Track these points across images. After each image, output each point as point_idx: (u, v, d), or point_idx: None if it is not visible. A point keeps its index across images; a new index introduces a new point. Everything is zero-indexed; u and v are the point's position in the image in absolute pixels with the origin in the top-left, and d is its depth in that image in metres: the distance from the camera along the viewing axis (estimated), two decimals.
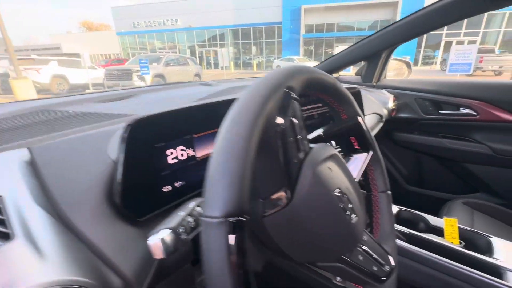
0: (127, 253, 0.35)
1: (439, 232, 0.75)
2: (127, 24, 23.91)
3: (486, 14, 14.53)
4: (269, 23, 19.43)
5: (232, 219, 0.22)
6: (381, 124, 1.25)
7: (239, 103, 0.27)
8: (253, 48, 21.59)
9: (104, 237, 0.34)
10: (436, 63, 16.11)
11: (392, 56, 1.48)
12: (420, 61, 17.17)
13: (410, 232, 0.73)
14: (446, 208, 1.09)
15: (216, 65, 21.31)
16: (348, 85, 0.95)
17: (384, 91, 1.39)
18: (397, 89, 1.39)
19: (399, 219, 0.83)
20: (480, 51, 10.35)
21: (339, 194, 0.34)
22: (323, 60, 1.49)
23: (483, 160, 1.25)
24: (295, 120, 0.31)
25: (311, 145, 0.36)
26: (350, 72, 2.50)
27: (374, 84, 1.45)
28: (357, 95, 0.98)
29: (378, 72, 1.42)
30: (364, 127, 0.47)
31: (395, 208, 0.86)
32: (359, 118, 0.46)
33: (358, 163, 0.48)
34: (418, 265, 0.67)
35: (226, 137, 0.24)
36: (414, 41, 15.85)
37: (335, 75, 1.59)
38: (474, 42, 14.40)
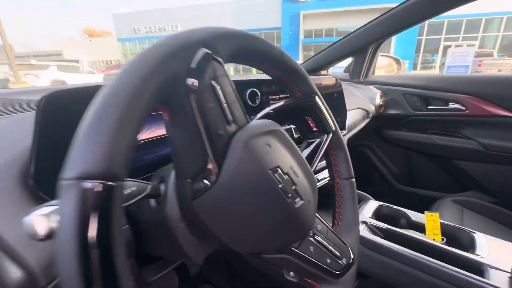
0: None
1: (420, 228, 0.71)
2: (128, 31, 24.17)
3: (484, 18, 14.63)
4: (268, 28, 19.57)
5: (89, 183, 0.17)
6: (367, 120, 1.22)
7: (140, 53, 0.23)
8: None
9: (9, 222, 0.30)
10: (435, 67, 16.15)
11: (380, 53, 1.45)
12: (419, 65, 17.21)
13: (388, 228, 0.69)
14: (435, 206, 1.05)
15: None
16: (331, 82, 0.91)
17: (371, 87, 1.35)
18: (385, 84, 1.35)
19: (379, 215, 0.79)
20: (478, 55, 10.36)
21: (278, 174, 0.30)
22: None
23: (473, 156, 1.20)
24: (216, 85, 0.27)
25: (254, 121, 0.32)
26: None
27: (362, 80, 1.41)
28: (339, 95, 0.94)
29: (365, 68, 1.39)
30: (322, 107, 0.43)
31: (374, 204, 0.81)
32: (316, 98, 0.42)
33: (317, 146, 0.44)
34: (396, 263, 0.63)
35: (111, 85, 0.20)
36: (413, 46, 15.93)
37: (323, 72, 1.56)
38: (472, 46, 14.45)
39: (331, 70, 1.59)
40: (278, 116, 0.39)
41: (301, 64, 1.52)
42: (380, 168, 1.50)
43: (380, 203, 0.82)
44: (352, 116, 1.09)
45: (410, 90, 1.28)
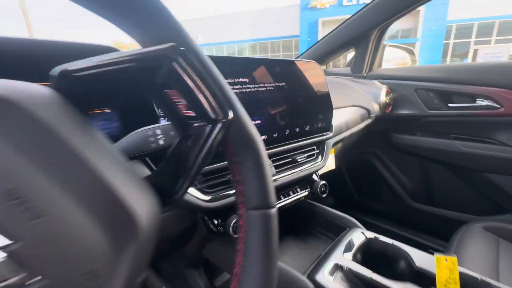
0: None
1: (427, 280, 0.46)
2: None
3: None
4: (286, 36, 19.55)
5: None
6: (367, 121, 0.98)
7: None
8: None
9: None
10: None
11: (387, 43, 1.21)
12: None
13: (374, 280, 0.45)
14: (460, 234, 0.78)
15: None
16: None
17: (375, 81, 1.11)
18: (393, 79, 1.11)
19: (368, 254, 0.55)
20: None
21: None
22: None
23: (510, 168, 0.92)
24: None
25: None
26: None
27: (365, 74, 1.18)
28: (321, 85, 0.73)
29: (368, 60, 1.16)
30: (201, 67, 0.23)
31: (361, 237, 0.57)
32: (174, 49, 0.22)
33: (194, 141, 0.24)
34: None
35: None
36: (439, 50, 15.06)
37: (322, 67, 1.34)
38: (507, 46, 13.36)
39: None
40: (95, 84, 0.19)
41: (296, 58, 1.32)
42: (389, 180, 1.23)
43: (371, 235, 0.58)
44: (345, 115, 0.86)
45: (425, 84, 1.03)
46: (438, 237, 1.11)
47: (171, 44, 0.21)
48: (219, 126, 0.23)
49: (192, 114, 0.23)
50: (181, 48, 0.22)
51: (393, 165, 1.22)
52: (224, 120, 0.23)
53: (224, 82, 0.25)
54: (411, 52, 1.31)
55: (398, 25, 16.20)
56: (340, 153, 1.02)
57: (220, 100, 0.24)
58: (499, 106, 0.90)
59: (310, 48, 1.26)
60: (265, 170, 0.26)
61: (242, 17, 20.84)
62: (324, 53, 1.23)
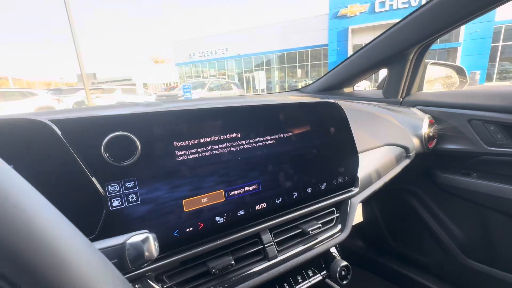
0: None
1: None
2: (185, 56, 26.54)
3: None
4: (314, 46, 19.31)
5: None
6: (407, 161, 0.78)
7: None
8: (299, 71, 21.55)
9: None
10: None
11: (430, 60, 1.01)
12: (495, 76, 14.65)
13: None
14: None
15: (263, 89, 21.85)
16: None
17: (415, 109, 0.91)
18: (437, 106, 0.90)
19: None
20: None
21: None
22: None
23: None
24: None
25: None
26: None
27: (401, 99, 0.98)
28: (343, 128, 0.57)
29: (405, 82, 0.96)
30: None
31: None
32: None
33: None
34: None
35: None
36: (486, 54, 13.71)
37: (347, 90, 1.17)
38: None
39: (368, 86, 1.19)
40: None
41: (316, 80, 1.16)
42: (434, 228, 1.00)
43: None
44: (376, 159, 0.69)
45: (483, 114, 0.81)
46: None
47: None
48: None
49: None
50: None
51: (438, 210, 0.99)
52: None
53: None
54: (460, 71, 1.08)
55: None
56: (371, 196, 0.84)
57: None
58: None
59: (336, 67, 1.10)
60: None
61: (271, 29, 21.09)
62: (350, 75, 1.06)
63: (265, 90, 17.05)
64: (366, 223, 1.21)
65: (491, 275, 0.88)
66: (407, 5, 14.24)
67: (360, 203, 0.71)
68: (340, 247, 0.56)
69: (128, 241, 0.28)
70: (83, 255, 0.14)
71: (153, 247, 0.28)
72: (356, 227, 1.24)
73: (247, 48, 22.64)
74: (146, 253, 0.28)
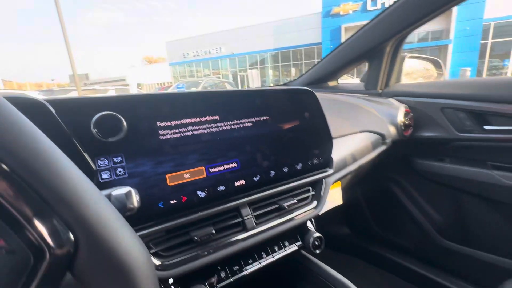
0: None
1: None
2: (178, 56, 26.39)
3: None
4: (308, 44, 19.40)
5: None
6: (381, 148, 0.84)
7: None
8: (293, 70, 21.63)
9: None
10: (506, 73, 13.80)
11: (408, 54, 1.07)
12: (485, 72, 14.93)
13: None
14: None
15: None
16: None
17: (392, 100, 0.97)
18: (413, 96, 0.96)
19: None
20: None
21: None
22: None
23: None
24: None
25: None
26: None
27: (380, 91, 1.04)
28: (316, 113, 0.61)
29: (383, 75, 1.02)
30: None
31: None
32: None
33: None
34: None
35: None
36: (475, 51, 13.96)
37: (331, 83, 1.22)
38: None
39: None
40: None
41: (302, 75, 1.21)
42: (413, 212, 1.06)
43: None
44: (352, 144, 0.74)
45: (454, 102, 0.87)
46: (477, 286, 0.92)
47: None
48: (45, 260, 0.14)
49: (5, 245, 0.15)
50: None
51: (417, 195, 1.05)
52: (57, 249, 0.14)
53: (65, 178, 0.16)
54: (437, 64, 1.14)
55: (428, 27, 15.34)
56: (353, 181, 0.89)
57: (49, 216, 0.15)
58: None
59: (319, 63, 1.15)
60: None
61: (265, 28, 21.10)
62: (333, 69, 1.12)
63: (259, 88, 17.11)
64: (351, 211, 1.27)
65: (464, 253, 0.94)
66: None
67: (340, 188, 0.76)
68: (325, 232, 0.60)
69: (112, 193, 0.32)
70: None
71: (134, 199, 0.32)
72: (342, 215, 1.30)
73: (241, 47, 22.62)
74: (129, 205, 0.32)
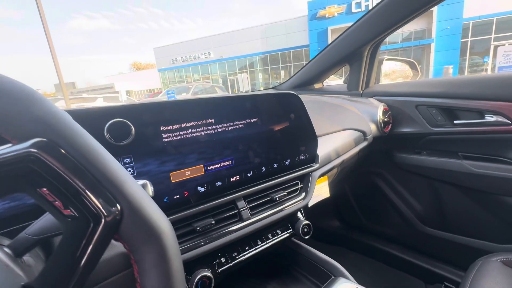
0: None
1: None
2: (167, 61, 26.30)
3: None
4: (296, 47, 19.69)
5: None
6: (363, 144, 0.91)
7: None
8: (282, 72, 21.88)
9: None
10: (486, 69, 14.36)
11: (386, 56, 1.16)
12: (466, 70, 15.49)
13: None
14: (476, 268, 0.69)
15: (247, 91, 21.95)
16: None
17: (372, 99, 1.05)
18: (391, 95, 1.04)
19: None
20: None
21: None
22: None
23: None
24: None
25: None
26: None
27: (361, 92, 1.12)
28: (301, 114, 0.68)
29: (363, 76, 1.10)
30: (56, 164, 0.20)
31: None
32: (37, 142, 0.19)
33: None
34: None
35: None
36: (457, 50, 14.49)
37: (317, 85, 1.30)
38: None
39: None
40: None
41: (289, 78, 1.29)
42: (397, 203, 1.14)
43: (356, 287, 0.52)
44: (335, 141, 0.81)
45: (426, 100, 0.95)
46: (454, 267, 1.00)
47: (32, 140, 0.18)
48: (101, 224, 0.20)
49: (72, 213, 0.20)
50: (41, 139, 0.19)
51: (399, 187, 1.13)
52: (108, 216, 0.20)
53: (110, 166, 0.22)
54: (412, 65, 1.23)
55: (411, 27, 15.83)
56: (340, 176, 0.96)
57: (102, 192, 0.20)
58: (510, 122, 0.81)
59: (304, 66, 1.23)
60: (170, 271, 0.22)
61: (253, 32, 21.30)
62: (318, 72, 1.19)
63: (249, 92, 17.25)
64: (341, 205, 1.35)
65: (442, 237, 1.02)
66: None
67: (327, 182, 0.83)
68: (317, 226, 0.67)
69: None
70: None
71: (150, 190, 0.38)
72: (333, 209, 1.37)
73: (230, 52, 22.74)
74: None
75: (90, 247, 0.20)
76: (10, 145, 0.18)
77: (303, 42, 19.08)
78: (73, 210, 0.20)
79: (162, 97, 9.18)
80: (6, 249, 0.26)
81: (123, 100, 10.47)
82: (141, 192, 0.23)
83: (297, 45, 19.54)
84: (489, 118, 0.85)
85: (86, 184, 0.20)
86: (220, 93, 11.19)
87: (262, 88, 21.72)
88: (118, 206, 0.21)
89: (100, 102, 10.82)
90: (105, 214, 0.20)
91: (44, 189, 0.19)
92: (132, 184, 0.23)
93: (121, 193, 0.21)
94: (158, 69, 27.60)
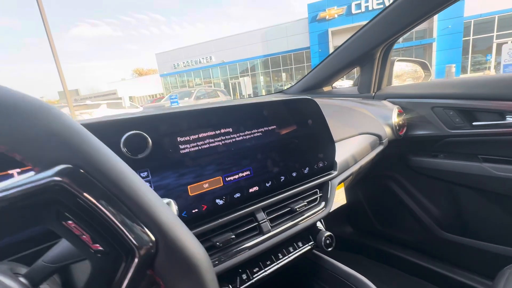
0: None
1: None
2: (169, 67, 26.48)
3: None
4: (297, 49, 19.71)
5: None
6: (379, 148, 0.88)
7: None
8: (284, 75, 21.90)
9: None
10: (489, 67, 14.25)
11: (396, 57, 1.13)
12: (469, 68, 15.39)
13: None
14: (506, 276, 0.66)
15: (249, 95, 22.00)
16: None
17: (385, 102, 1.02)
18: (405, 97, 1.01)
19: None
20: None
21: None
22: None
23: None
24: None
25: None
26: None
27: (373, 94, 1.09)
28: (318, 121, 0.66)
29: (376, 78, 1.07)
30: (86, 193, 0.17)
31: None
32: (63, 169, 0.17)
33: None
34: None
35: None
36: (459, 48, 14.42)
37: (326, 89, 1.28)
38: None
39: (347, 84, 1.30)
40: None
41: (297, 82, 1.26)
42: (412, 207, 1.10)
43: None
44: (352, 146, 0.78)
45: (443, 101, 0.92)
46: (479, 275, 0.96)
47: (58, 167, 0.16)
48: (135, 260, 0.18)
49: (102, 248, 0.18)
50: (66, 166, 0.17)
51: (415, 191, 1.10)
52: (143, 250, 0.18)
53: (142, 191, 0.20)
54: (424, 66, 1.20)
55: None
56: (354, 181, 0.93)
57: (136, 223, 0.18)
58: None
59: (312, 70, 1.21)
60: None
61: (253, 35, 21.40)
62: (328, 75, 1.17)
63: (251, 95, 17.33)
64: (354, 210, 1.31)
65: (463, 243, 0.99)
66: (381, 5, 14.84)
67: (343, 188, 0.80)
68: (332, 233, 0.64)
69: None
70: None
71: (174, 209, 0.36)
72: (345, 215, 1.34)
73: (231, 56, 22.84)
74: None
75: (123, 287, 0.17)
76: (32, 173, 0.16)
77: (303, 44, 19.12)
78: (103, 245, 0.17)
79: (165, 102, 9.21)
80: (23, 279, 0.24)
81: (126, 106, 10.53)
82: (175, 219, 0.21)
83: (298, 47, 19.58)
84: (510, 119, 0.82)
85: (119, 216, 0.18)
86: (222, 96, 11.22)
87: (263, 91, 21.77)
88: (153, 237, 0.18)
89: (103, 108, 10.91)
90: (139, 247, 0.18)
91: (70, 221, 0.17)
92: (165, 210, 0.20)
93: (155, 222, 0.19)
94: (160, 74, 27.80)
